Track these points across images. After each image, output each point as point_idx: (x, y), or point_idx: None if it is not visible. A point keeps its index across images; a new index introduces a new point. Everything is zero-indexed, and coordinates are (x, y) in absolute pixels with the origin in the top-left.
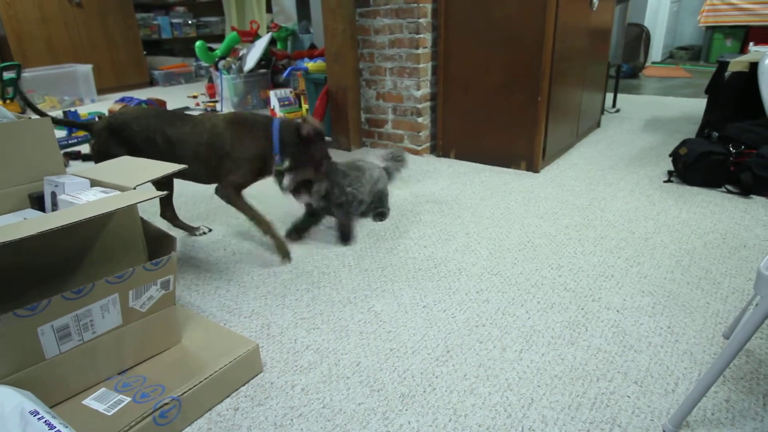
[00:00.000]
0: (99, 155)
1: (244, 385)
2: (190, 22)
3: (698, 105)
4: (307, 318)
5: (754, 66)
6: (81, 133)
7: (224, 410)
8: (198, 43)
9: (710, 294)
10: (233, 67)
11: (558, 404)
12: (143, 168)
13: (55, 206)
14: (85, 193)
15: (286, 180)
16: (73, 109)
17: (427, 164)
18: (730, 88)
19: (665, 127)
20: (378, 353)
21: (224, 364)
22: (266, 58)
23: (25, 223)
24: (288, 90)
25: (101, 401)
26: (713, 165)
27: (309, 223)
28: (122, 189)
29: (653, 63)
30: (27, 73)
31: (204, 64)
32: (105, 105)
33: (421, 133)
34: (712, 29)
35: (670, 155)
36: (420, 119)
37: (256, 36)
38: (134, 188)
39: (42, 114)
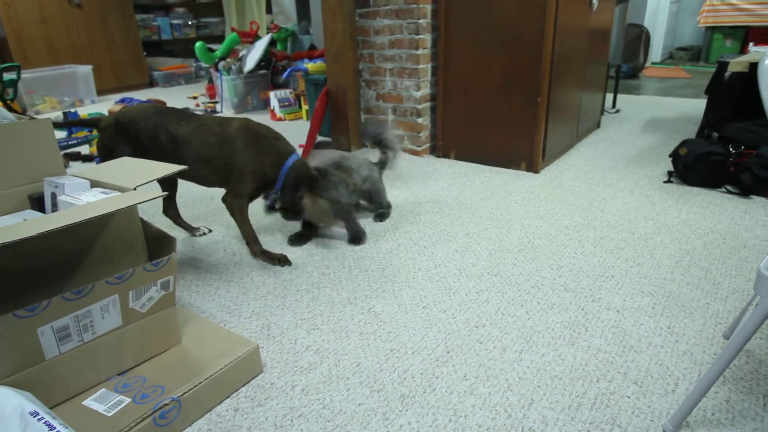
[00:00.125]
0: (105, 152)
1: (244, 385)
2: (190, 23)
3: (698, 105)
4: (307, 318)
5: (753, 66)
6: (81, 134)
7: (224, 411)
8: (198, 44)
9: (710, 294)
10: (233, 67)
11: (558, 405)
12: (143, 169)
13: (55, 207)
14: (85, 193)
15: (273, 203)
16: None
17: (427, 165)
18: (729, 89)
19: (665, 127)
20: (378, 354)
21: (224, 364)
22: (266, 59)
23: (26, 224)
24: (288, 91)
25: (101, 402)
26: (713, 165)
27: (309, 233)
28: (122, 190)
29: (653, 63)
30: (27, 74)
31: (204, 64)
32: (105, 106)
33: (421, 134)
34: (711, 30)
35: (670, 156)
36: (420, 120)
37: (255, 37)
38: (134, 189)
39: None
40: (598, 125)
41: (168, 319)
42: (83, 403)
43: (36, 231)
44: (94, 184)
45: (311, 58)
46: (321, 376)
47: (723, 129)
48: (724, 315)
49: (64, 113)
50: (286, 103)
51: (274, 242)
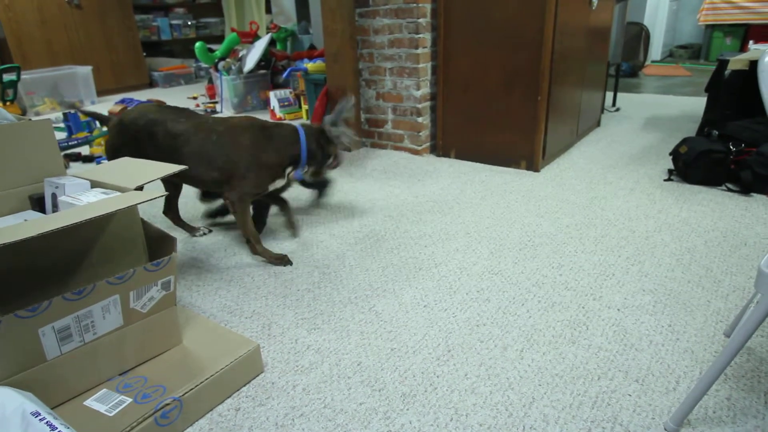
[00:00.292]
0: (111, 151)
1: (245, 385)
2: (189, 23)
3: (698, 103)
4: (308, 318)
5: (754, 64)
6: (81, 135)
7: (225, 410)
8: (198, 44)
9: (711, 292)
10: (233, 68)
11: (559, 403)
12: (143, 169)
13: (55, 207)
14: (86, 194)
15: (306, 176)
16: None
17: (428, 164)
18: (730, 87)
19: (665, 125)
20: (379, 353)
21: (225, 364)
22: (266, 59)
23: (26, 225)
24: (288, 90)
25: (102, 402)
26: (713, 163)
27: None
28: (122, 190)
29: (653, 62)
30: (27, 75)
31: (204, 65)
32: (105, 106)
33: (421, 133)
34: (711, 27)
35: (671, 154)
36: (420, 119)
37: (255, 37)
38: (135, 189)
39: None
40: (598, 124)
41: (169, 319)
42: (84, 403)
43: (37, 231)
44: (95, 184)
45: (311, 58)
46: (322, 376)
47: (723, 127)
48: (725, 313)
49: (65, 114)
50: (286, 103)
51: (275, 242)
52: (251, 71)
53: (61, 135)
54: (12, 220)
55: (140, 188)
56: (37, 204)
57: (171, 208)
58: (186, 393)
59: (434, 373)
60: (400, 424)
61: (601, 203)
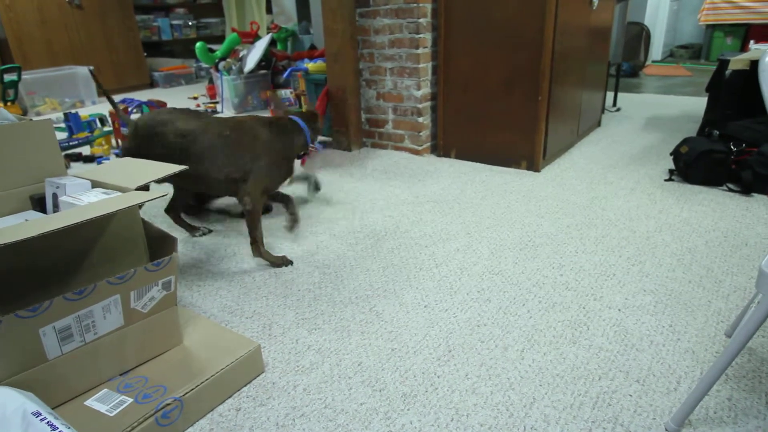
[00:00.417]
0: (126, 154)
1: (246, 385)
2: (190, 23)
3: (699, 103)
4: (308, 318)
5: (754, 64)
6: (82, 135)
7: (226, 411)
8: (198, 45)
9: (712, 292)
10: (233, 68)
11: (560, 403)
12: (144, 169)
13: (56, 207)
14: (87, 194)
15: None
16: (74, 111)
17: (428, 164)
18: (730, 87)
19: (666, 125)
20: (380, 353)
21: (226, 364)
22: (266, 59)
23: (27, 225)
24: (288, 90)
25: (103, 402)
26: (714, 163)
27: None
28: (123, 190)
29: (653, 62)
30: (27, 75)
31: (204, 65)
32: (106, 107)
33: (421, 133)
34: (712, 27)
35: (671, 154)
36: (420, 119)
37: (256, 37)
38: (140, 189)
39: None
40: (598, 124)
41: (169, 319)
42: (85, 403)
43: (37, 231)
44: (95, 184)
45: (311, 58)
46: (323, 376)
47: (724, 127)
48: (725, 313)
49: (65, 114)
50: (286, 103)
51: (275, 242)
52: (252, 71)
53: (61, 135)
54: (13, 220)
55: (145, 188)
56: (38, 204)
57: (173, 208)
58: (187, 393)
59: (435, 374)
60: (400, 425)
61: (602, 203)
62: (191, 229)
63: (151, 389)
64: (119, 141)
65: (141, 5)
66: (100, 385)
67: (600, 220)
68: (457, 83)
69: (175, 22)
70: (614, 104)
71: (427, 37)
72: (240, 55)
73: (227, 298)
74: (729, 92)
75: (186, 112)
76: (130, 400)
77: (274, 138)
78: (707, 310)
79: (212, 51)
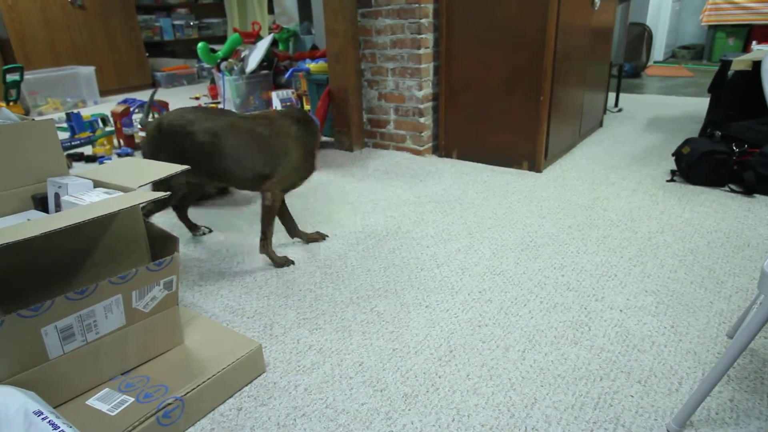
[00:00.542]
0: (148, 156)
1: (247, 385)
2: (191, 23)
3: (701, 104)
4: (309, 318)
5: (757, 65)
6: (84, 135)
7: (227, 410)
8: (200, 45)
9: (714, 293)
10: (235, 68)
11: (561, 404)
12: (146, 169)
13: (58, 207)
14: (88, 194)
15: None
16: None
17: (430, 164)
18: (732, 87)
19: (668, 126)
20: (381, 353)
21: (227, 364)
22: (268, 59)
23: (29, 224)
24: (290, 91)
25: (105, 401)
26: (716, 164)
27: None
28: (125, 190)
29: (655, 62)
30: (30, 76)
31: (206, 65)
32: (108, 107)
33: (423, 134)
34: (714, 28)
35: (673, 154)
36: (422, 119)
37: (257, 37)
38: (155, 190)
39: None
40: (600, 124)
41: (171, 319)
42: (87, 402)
43: (39, 231)
44: (97, 184)
45: (313, 58)
46: (324, 376)
47: (726, 127)
48: (727, 314)
49: (68, 114)
50: (288, 103)
51: (276, 243)
52: (253, 71)
53: (63, 135)
54: (15, 220)
55: (165, 189)
56: (40, 204)
57: (182, 205)
58: (188, 393)
59: (436, 374)
60: (401, 425)
61: (604, 204)
62: (193, 229)
63: (152, 389)
64: (121, 141)
65: (143, 5)
66: (101, 385)
67: (602, 220)
68: (459, 83)
69: (177, 22)
70: (616, 105)
71: (428, 37)
72: (242, 56)
73: (228, 297)
74: (731, 93)
75: (209, 110)
76: (132, 399)
77: (302, 134)
78: (709, 311)
79: (214, 51)
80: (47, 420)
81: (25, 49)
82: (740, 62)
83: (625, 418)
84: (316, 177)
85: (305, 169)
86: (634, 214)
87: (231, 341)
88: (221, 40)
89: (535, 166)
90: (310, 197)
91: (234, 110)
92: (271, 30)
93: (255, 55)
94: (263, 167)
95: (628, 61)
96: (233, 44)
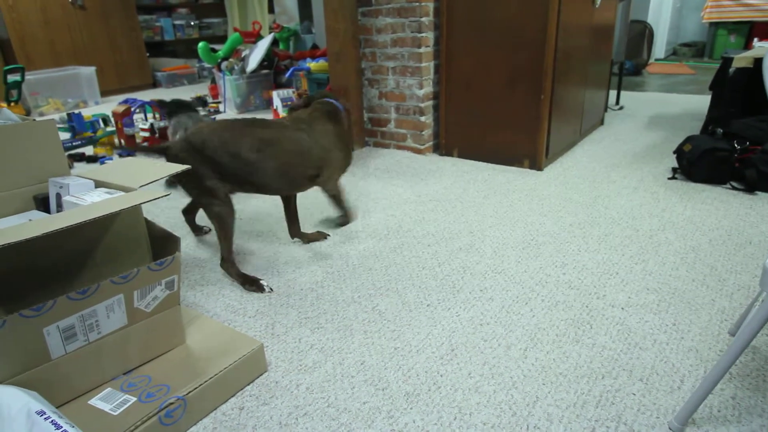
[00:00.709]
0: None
1: (249, 384)
2: (192, 23)
3: (702, 101)
4: (311, 317)
5: (758, 62)
6: (85, 135)
7: (229, 410)
8: (201, 45)
9: (716, 291)
10: (236, 68)
11: (563, 402)
12: (147, 169)
13: (59, 207)
14: (90, 194)
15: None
16: (77, 111)
17: (430, 163)
18: (734, 85)
19: (669, 123)
20: (382, 352)
21: (229, 363)
22: (269, 59)
23: (31, 224)
24: (290, 90)
25: (107, 401)
26: (718, 161)
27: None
28: (126, 190)
29: (656, 60)
30: (30, 76)
31: (207, 65)
32: (108, 107)
33: (423, 132)
34: (715, 25)
35: (675, 152)
36: (423, 118)
37: (258, 37)
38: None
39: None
40: (601, 122)
41: (173, 319)
42: (89, 402)
43: (41, 231)
44: (99, 184)
45: (314, 58)
46: (325, 375)
47: (727, 125)
48: (729, 311)
49: (68, 114)
50: (288, 103)
51: (277, 242)
52: (254, 71)
53: (65, 135)
54: (16, 220)
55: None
56: (42, 204)
57: (192, 210)
58: (190, 392)
59: (438, 372)
60: (403, 423)
61: (605, 202)
62: (197, 229)
63: (154, 388)
64: (122, 141)
65: (143, 5)
66: (103, 384)
67: (603, 218)
68: (460, 82)
69: (177, 22)
70: (617, 102)
71: (429, 36)
72: (242, 55)
73: (230, 297)
74: (732, 90)
75: (239, 123)
76: (134, 399)
77: (339, 129)
78: (711, 309)
79: (215, 51)
80: (50, 420)
81: (26, 49)
82: (742, 59)
83: (627, 416)
84: None
85: (346, 160)
86: (636, 211)
87: (233, 341)
88: (222, 39)
89: (536, 165)
90: (311, 196)
91: (236, 110)
92: (271, 29)
93: (255, 55)
94: (313, 168)
95: (629, 59)
96: (234, 44)
